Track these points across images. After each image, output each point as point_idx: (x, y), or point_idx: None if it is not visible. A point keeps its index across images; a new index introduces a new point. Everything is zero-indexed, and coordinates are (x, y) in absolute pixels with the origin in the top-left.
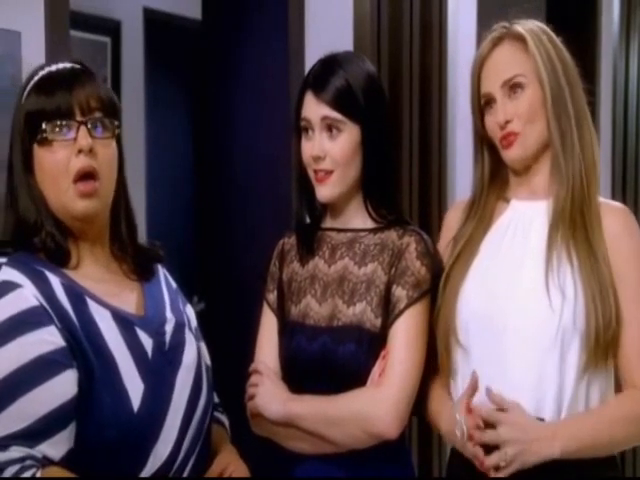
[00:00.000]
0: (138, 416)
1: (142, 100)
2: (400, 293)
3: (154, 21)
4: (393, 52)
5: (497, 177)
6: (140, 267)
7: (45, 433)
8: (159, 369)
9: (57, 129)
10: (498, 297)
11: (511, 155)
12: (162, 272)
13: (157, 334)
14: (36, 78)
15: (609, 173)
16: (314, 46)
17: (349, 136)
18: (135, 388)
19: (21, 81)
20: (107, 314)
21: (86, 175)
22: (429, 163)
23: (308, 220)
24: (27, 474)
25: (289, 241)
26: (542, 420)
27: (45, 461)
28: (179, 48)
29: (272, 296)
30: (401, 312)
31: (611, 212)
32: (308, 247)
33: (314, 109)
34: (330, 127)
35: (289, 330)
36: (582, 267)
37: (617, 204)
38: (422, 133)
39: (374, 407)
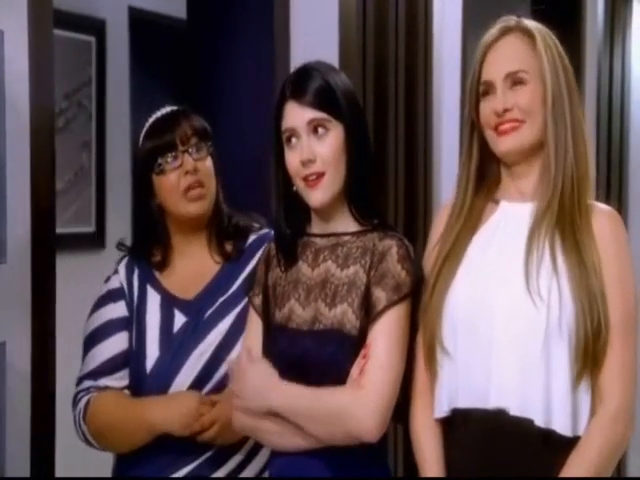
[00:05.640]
0: (150, 375)
1: (127, 99)
2: (380, 294)
3: (139, 20)
4: (379, 51)
5: (484, 177)
6: (234, 248)
7: (106, 372)
8: (180, 342)
9: (169, 160)
10: (485, 301)
11: (506, 144)
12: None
13: (196, 315)
14: (147, 125)
15: (593, 173)
16: (300, 45)
17: (335, 134)
18: (152, 354)
19: (4, 80)
20: (158, 298)
21: (193, 186)
22: (415, 164)
23: (289, 231)
24: (87, 396)
25: (275, 246)
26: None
27: (105, 389)
28: (164, 47)
29: (257, 300)
30: (380, 313)
31: (599, 216)
32: (289, 256)
33: (298, 115)
34: (316, 129)
35: (272, 334)
36: (570, 274)
37: (605, 207)
38: (408, 133)
39: (356, 410)
